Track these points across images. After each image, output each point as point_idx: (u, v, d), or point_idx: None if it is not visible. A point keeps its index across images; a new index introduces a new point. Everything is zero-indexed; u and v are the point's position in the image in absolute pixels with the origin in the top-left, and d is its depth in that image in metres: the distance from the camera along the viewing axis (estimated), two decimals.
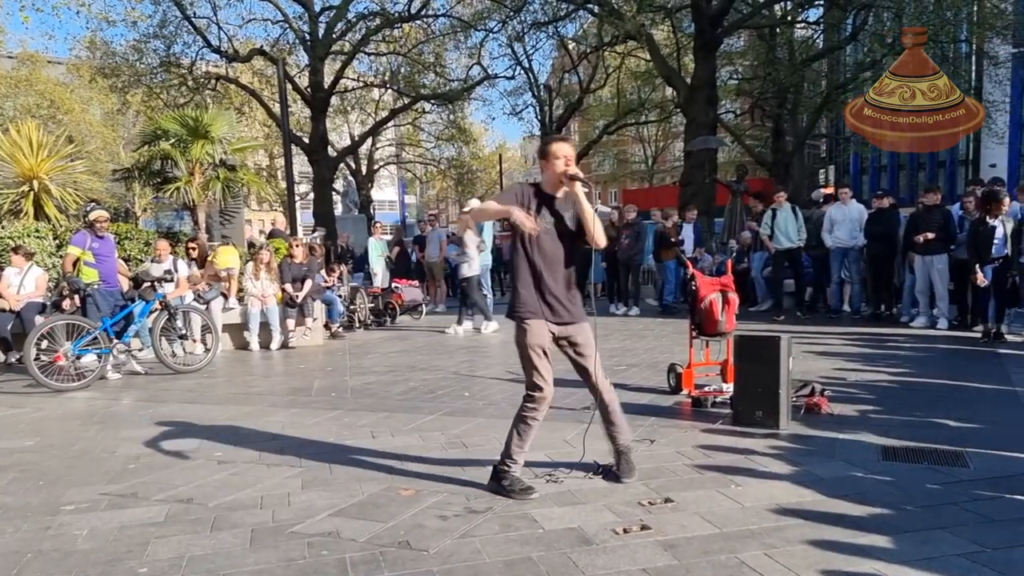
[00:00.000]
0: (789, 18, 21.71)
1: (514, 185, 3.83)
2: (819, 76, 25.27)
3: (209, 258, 9.98)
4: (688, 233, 12.73)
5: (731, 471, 3.88)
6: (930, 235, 9.05)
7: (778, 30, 21.90)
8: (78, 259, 7.64)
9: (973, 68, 25.02)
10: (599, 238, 3.54)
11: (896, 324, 9.71)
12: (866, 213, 10.36)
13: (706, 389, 5.53)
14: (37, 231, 9.60)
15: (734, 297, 5.56)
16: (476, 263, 10.40)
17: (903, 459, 4.03)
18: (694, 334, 5.68)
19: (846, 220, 10.41)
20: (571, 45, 26.83)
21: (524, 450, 3.68)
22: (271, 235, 13.28)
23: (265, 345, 9.70)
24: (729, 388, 5.25)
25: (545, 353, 3.63)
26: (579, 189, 3.49)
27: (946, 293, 9.27)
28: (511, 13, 21.58)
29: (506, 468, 3.65)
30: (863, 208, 10.60)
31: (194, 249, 9.89)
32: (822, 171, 36.97)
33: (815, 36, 24.26)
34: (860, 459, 4.04)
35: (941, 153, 33.55)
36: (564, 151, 3.55)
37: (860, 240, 10.25)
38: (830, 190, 12.01)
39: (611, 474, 3.81)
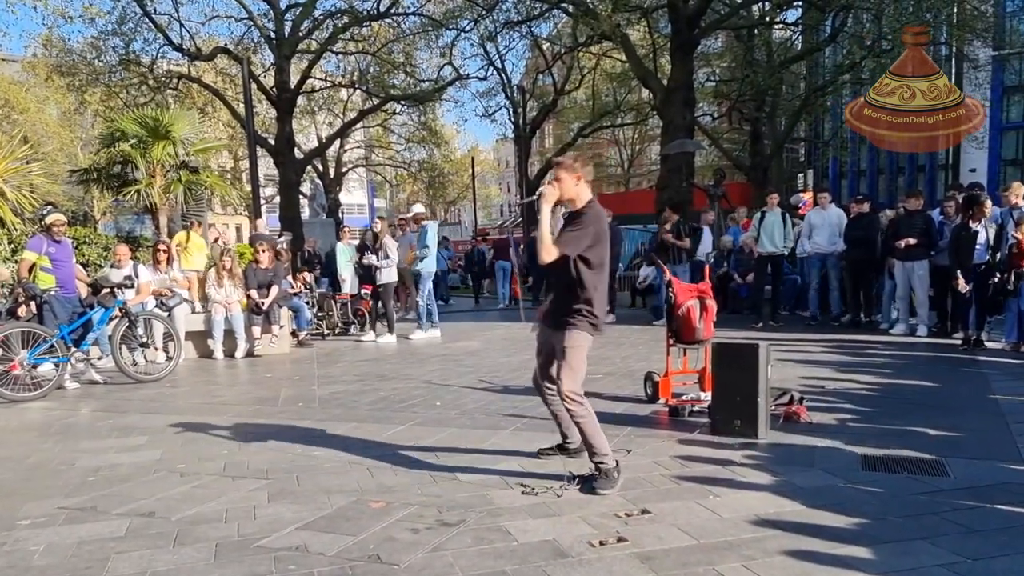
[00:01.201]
0: (767, 19, 22.00)
1: None
2: (798, 78, 25.65)
3: (176, 243, 9.87)
4: (706, 236, 12.68)
5: (709, 481, 3.92)
6: (912, 240, 9.19)
7: (756, 31, 22.18)
8: (34, 264, 7.55)
9: (953, 71, 25.52)
10: (539, 249, 3.81)
11: (875, 331, 9.87)
12: (845, 218, 10.52)
13: (684, 398, 5.59)
14: None
15: (712, 304, 5.62)
16: (393, 271, 10.65)
17: (883, 468, 4.10)
18: (671, 342, 5.73)
19: (825, 225, 10.57)
20: (545, 45, 26.95)
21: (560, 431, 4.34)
22: (253, 239, 13.15)
23: (230, 353, 9.62)
24: (707, 397, 5.31)
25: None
26: (542, 208, 3.86)
27: (927, 299, 9.44)
28: (483, 12, 21.61)
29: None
30: (842, 213, 10.76)
31: (164, 252, 9.72)
32: (801, 175, 37.43)
33: (793, 38, 24.60)
34: (839, 468, 4.10)
35: (920, 157, 34.12)
36: (554, 173, 3.96)
37: (840, 245, 10.40)
38: (808, 194, 12.17)
39: (587, 484, 3.84)
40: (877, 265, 10.14)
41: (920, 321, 9.44)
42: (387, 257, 10.59)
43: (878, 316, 10.48)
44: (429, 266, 10.91)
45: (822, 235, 10.55)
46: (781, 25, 23.46)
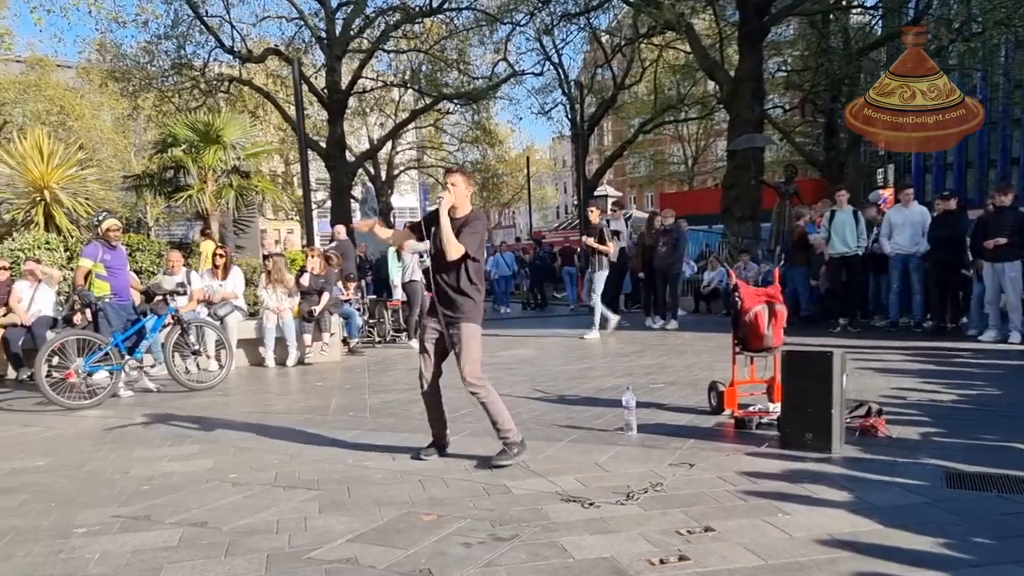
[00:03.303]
0: (844, 2, 21.53)
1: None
2: (877, 66, 24.95)
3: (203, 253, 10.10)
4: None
5: (778, 498, 3.86)
6: (1001, 240, 8.92)
7: (831, 16, 21.72)
8: (89, 272, 7.77)
9: None
10: (448, 250, 4.56)
11: (963, 338, 9.57)
12: (929, 216, 10.26)
13: (751, 409, 5.50)
14: (48, 242, 9.87)
15: (781, 309, 5.53)
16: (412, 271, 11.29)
17: (969, 486, 3.98)
18: (737, 349, 5.66)
19: (907, 224, 10.31)
20: (604, 38, 26.94)
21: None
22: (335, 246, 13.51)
23: (281, 362, 9.85)
24: (776, 408, 5.23)
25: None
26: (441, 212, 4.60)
27: (1019, 304, 9.11)
28: (539, 4, 21.73)
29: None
30: (926, 211, 10.50)
31: (221, 257, 9.95)
32: (880, 170, 36.47)
33: (873, 22, 24.02)
34: (921, 486, 3.99)
35: (1015, 149, 33.00)
36: (448, 179, 4.87)
37: (923, 246, 10.14)
38: (889, 191, 11.93)
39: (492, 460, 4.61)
40: (964, 267, 9.86)
41: (1013, 327, 9.11)
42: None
43: (964, 321, 10.17)
44: None
45: (903, 235, 10.29)
46: (859, 9, 22.91)
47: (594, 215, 11.50)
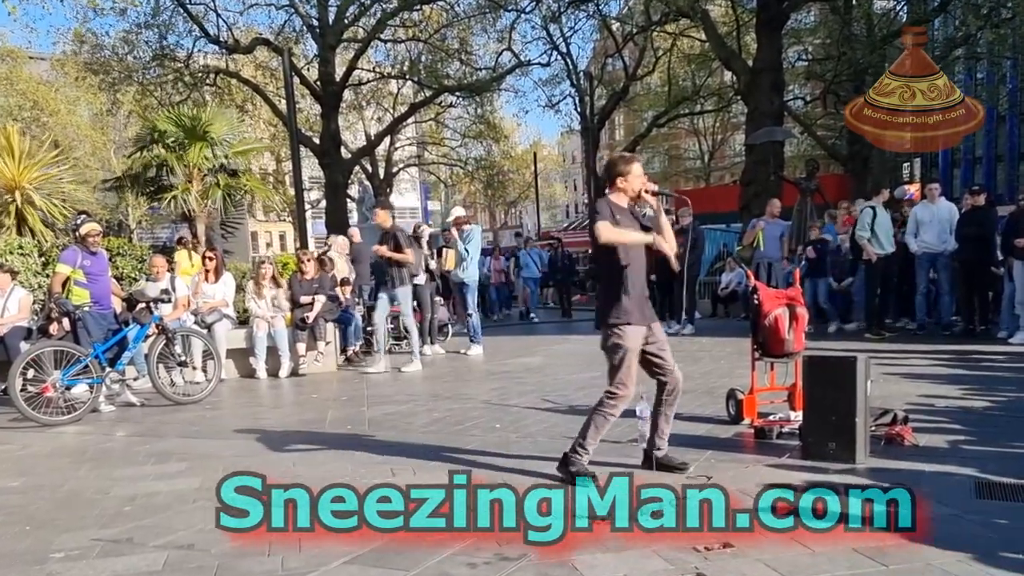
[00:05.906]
0: None
1: (604, 204, 4.57)
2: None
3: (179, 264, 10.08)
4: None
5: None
6: None
7: (854, 2, 21.73)
8: (68, 279, 7.71)
9: None
10: (674, 246, 4.56)
11: (993, 341, 9.60)
12: (957, 213, 10.26)
13: (771, 418, 5.53)
14: (20, 247, 9.84)
15: (803, 312, 5.54)
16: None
17: (1001, 496, 4.00)
18: (757, 355, 5.67)
19: (934, 221, 10.33)
20: (615, 26, 26.92)
21: (596, 443, 4.55)
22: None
23: (273, 372, 9.86)
24: (798, 417, 5.24)
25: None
26: (658, 203, 4.55)
27: None
28: None
29: (577, 455, 4.49)
30: (953, 207, 10.51)
31: (211, 259, 9.97)
32: (906, 164, 36.38)
33: (898, 8, 24.01)
34: (950, 497, 4.01)
35: None
36: (640, 171, 4.58)
37: (950, 244, 10.15)
38: (915, 186, 11.94)
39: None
40: (994, 266, 9.86)
41: None
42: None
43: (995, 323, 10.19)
44: (472, 275, 11.04)
45: (930, 232, 10.31)
46: None
47: (381, 217, 9.84)
